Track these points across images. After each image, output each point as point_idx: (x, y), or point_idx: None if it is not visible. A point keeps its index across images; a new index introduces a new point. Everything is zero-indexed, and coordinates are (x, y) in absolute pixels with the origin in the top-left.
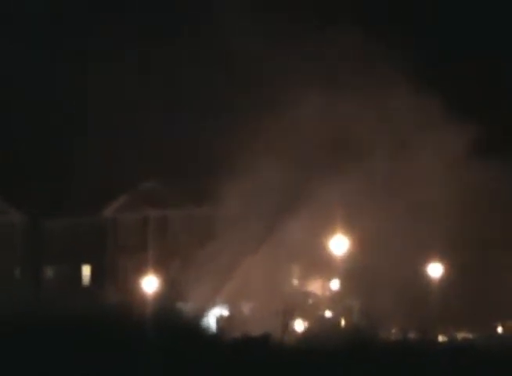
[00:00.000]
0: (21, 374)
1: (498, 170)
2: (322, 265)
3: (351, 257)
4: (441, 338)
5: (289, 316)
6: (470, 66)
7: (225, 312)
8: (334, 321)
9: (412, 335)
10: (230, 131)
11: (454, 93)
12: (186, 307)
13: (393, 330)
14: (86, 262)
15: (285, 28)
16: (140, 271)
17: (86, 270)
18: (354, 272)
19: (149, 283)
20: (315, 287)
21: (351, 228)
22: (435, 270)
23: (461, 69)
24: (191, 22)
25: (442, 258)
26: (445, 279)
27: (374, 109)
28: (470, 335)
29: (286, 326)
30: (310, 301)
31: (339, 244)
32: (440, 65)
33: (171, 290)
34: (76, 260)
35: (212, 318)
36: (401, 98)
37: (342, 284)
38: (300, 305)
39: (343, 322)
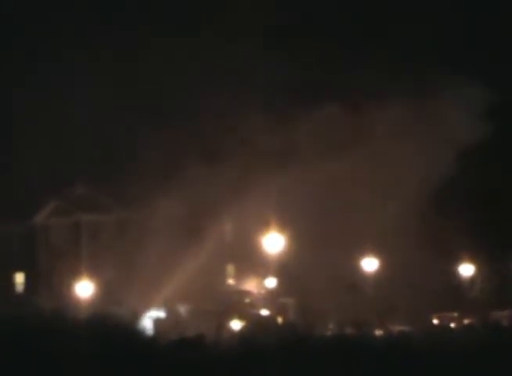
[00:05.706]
0: None
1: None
2: (258, 263)
3: (286, 255)
4: (377, 332)
5: (224, 315)
6: None
7: (162, 315)
8: (271, 319)
9: (348, 330)
10: (163, 135)
11: None
12: (121, 311)
13: (330, 326)
14: (19, 269)
15: None
16: (74, 276)
17: (19, 278)
18: (289, 269)
19: (84, 288)
20: (250, 285)
21: (285, 226)
22: (370, 265)
23: None
24: None
25: (377, 253)
26: (380, 273)
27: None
28: (405, 328)
29: (222, 326)
30: (246, 300)
31: (274, 242)
32: None
33: (106, 294)
34: (8, 268)
35: (149, 321)
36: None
37: (278, 282)
38: (236, 304)
39: (279, 320)
